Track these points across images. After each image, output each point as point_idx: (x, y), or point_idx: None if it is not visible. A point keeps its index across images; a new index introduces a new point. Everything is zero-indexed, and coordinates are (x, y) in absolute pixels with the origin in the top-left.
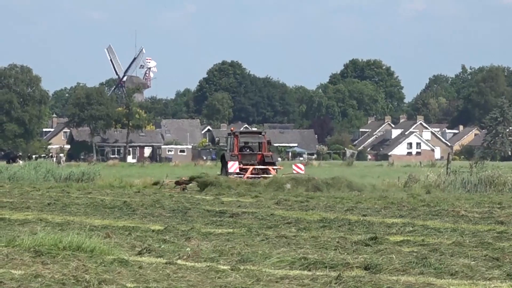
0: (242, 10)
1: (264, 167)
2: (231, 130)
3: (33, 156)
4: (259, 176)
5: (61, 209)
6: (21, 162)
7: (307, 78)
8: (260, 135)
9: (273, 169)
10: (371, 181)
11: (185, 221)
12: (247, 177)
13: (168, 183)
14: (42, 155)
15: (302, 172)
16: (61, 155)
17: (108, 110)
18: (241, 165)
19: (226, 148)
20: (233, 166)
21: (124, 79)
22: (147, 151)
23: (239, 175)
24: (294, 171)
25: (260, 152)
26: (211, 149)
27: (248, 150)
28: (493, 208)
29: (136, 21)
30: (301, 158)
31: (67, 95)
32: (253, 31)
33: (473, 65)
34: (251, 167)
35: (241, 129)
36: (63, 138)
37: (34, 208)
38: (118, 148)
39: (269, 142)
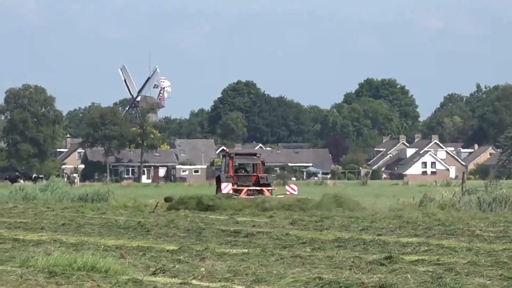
0: (257, 30)
1: (259, 188)
2: (226, 152)
3: (33, 176)
4: (254, 197)
5: (75, 229)
6: (22, 182)
7: (322, 98)
8: (255, 157)
9: (267, 190)
10: (384, 200)
11: (199, 241)
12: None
13: (161, 204)
14: (40, 176)
15: (295, 193)
16: (75, 175)
17: (122, 130)
18: (236, 186)
19: (221, 169)
20: (227, 187)
21: (138, 99)
22: (162, 171)
23: (234, 196)
24: (287, 192)
25: (255, 174)
26: None
27: (243, 172)
28: (508, 227)
29: (150, 41)
30: (315, 178)
31: (81, 115)
32: (267, 50)
33: (487, 83)
34: (246, 188)
35: (257, 148)
36: (77, 158)
37: (48, 228)
38: (133, 168)
39: (263, 163)
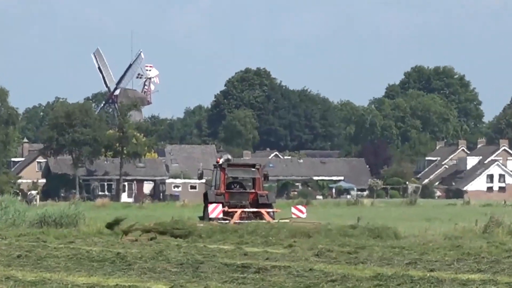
0: (271, 4)
1: (257, 210)
2: (217, 162)
3: None
4: (251, 221)
5: (35, 263)
6: None
7: (356, 91)
8: (254, 169)
9: (268, 212)
10: (438, 225)
11: (196, 278)
12: (235, 224)
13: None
14: None
15: (303, 216)
16: (34, 192)
17: (95, 133)
18: (227, 208)
19: (211, 185)
20: (215, 210)
21: (117, 92)
22: (147, 187)
23: (224, 221)
24: (293, 215)
25: (254, 190)
26: None
27: (238, 187)
28: None
29: (133, 18)
30: (348, 196)
31: (42, 114)
32: (285, 31)
33: None
34: (240, 211)
35: (271, 156)
36: (37, 170)
37: None
38: (109, 183)
39: (266, 177)
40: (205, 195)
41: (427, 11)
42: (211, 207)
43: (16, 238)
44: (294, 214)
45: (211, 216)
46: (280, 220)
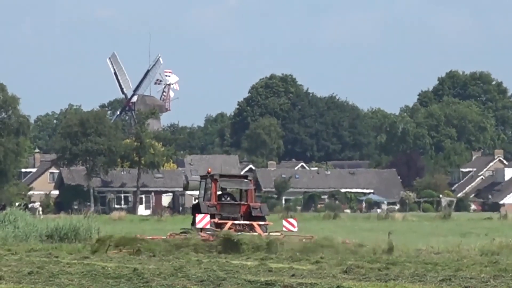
0: (299, 6)
1: (249, 222)
2: (208, 172)
3: None
4: (240, 233)
5: (47, 280)
6: None
7: (387, 98)
8: (246, 180)
9: (260, 225)
10: (474, 240)
11: None
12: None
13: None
14: None
15: (295, 230)
16: (36, 204)
17: (111, 142)
18: (216, 219)
19: (199, 196)
20: (203, 220)
21: (134, 99)
22: (166, 199)
23: (214, 232)
24: (284, 228)
25: (246, 203)
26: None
27: (229, 199)
28: None
29: (151, 20)
30: (378, 210)
31: (55, 122)
32: (311, 35)
33: None
34: (230, 222)
35: (297, 167)
36: (49, 181)
37: (9, 279)
38: (126, 194)
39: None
40: (195, 207)
41: (461, 13)
42: (198, 217)
43: (27, 254)
44: (285, 227)
45: (198, 226)
46: (270, 234)
